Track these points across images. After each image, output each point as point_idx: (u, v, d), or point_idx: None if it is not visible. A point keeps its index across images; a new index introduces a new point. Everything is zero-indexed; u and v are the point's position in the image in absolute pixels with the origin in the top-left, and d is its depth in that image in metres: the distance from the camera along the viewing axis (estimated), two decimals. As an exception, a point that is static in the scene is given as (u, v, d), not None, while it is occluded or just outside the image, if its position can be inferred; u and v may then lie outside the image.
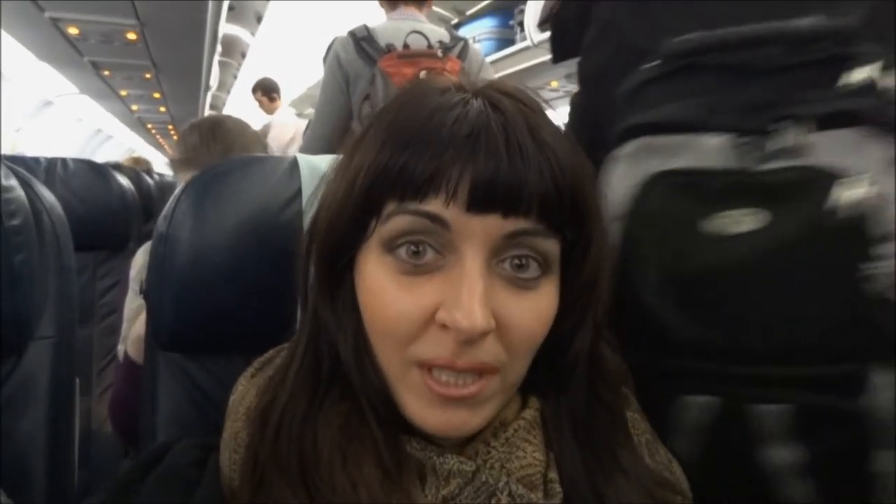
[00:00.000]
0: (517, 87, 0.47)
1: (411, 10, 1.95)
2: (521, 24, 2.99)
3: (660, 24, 0.70)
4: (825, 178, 0.56)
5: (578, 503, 0.47)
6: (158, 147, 13.45)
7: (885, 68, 0.57)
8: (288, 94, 4.41)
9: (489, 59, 3.12)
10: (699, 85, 0.65)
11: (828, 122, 0.57)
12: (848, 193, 0.54)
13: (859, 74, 0.57)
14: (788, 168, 0.57)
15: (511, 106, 0.44)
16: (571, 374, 0.50)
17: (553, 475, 0.48)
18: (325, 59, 1.92)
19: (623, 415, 0.54)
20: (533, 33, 2.75)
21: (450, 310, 0.41)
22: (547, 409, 0.51)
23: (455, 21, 3.69)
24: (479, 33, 3.32)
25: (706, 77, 0.65)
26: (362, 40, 1.84)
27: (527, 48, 2.87)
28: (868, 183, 0.54)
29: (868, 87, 0.57)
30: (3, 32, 4.18)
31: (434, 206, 0.42)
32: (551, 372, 0.49)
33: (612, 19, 0.81)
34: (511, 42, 3.17)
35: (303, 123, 3.36)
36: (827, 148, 0.57)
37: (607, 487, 0.48)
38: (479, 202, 0.41)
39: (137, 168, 2.96)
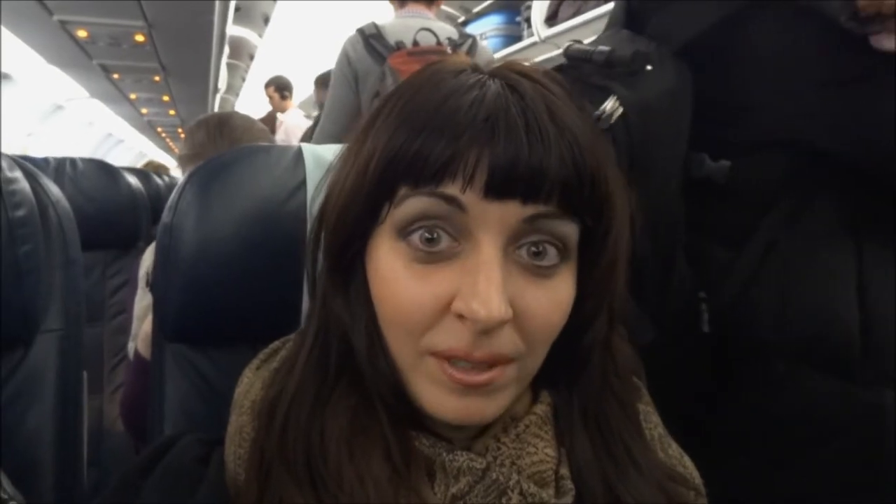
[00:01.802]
0: (535, 67, 0.46)
1: (420, 8, 1.95)
2: (527, 20, 2.97)
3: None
4: None
5: (590, 499, 0.46)
6: (168, 150, 13.54)
7: (621, 99, 0.71)
8: (296, 95, 4.41)
9: (496, 56, 3.12)
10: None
11: None
12: None
13: (605, 105, 0.71)
14: None
15: (530, 87, 0.42)
16: (585, 365, 0.48)
17: (564, 471, 0.46)
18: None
19: (635, 407, 0.53)
20: (540, 29, 2.74)
21: (466, 299, 0.40)
22: (559, 402, 0.50)
23: (462, 19, 3.69)
24: (486, 30, 3.31)
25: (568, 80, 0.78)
26: (371, 38, 1.85)
27: (534, 44, 2.85)
28: None
29: (607, 117, 0.71)
30: (13, 36, 4.21)
31: (451, 189, 0.40)
32: (564, 363, 0.48)
33: None
34: (518, 38, 3.16)
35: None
36: None
37: (619, 482, 0.47)
38: (498, 188, 0.40)
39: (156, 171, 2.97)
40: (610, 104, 0.70)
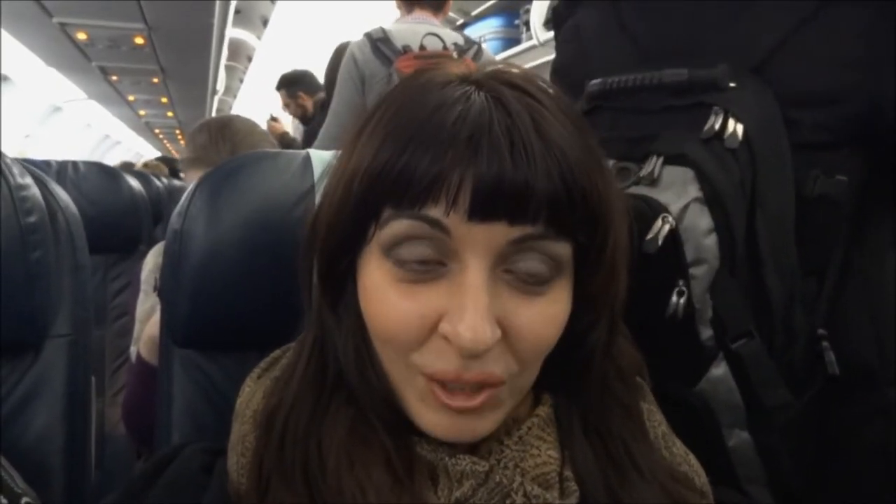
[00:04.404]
0: (525, 76, 0.44)
1: (427, 15, 1.98)
2: (526, 23, 2.98)
3: (588, 71, 0.84)
4: (657, 211, 0.67)
5: (592, 499, 0.46)
6: (166, 152, 13.52)
7: (733, 115, 0.66)
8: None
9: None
10: (605, 121, 0.79)
11: (676, 158, 0.68)
12: (663, 227, 0.66)
13: (714, 121, 0.66)
14: (638, 195, 0.68)
15: (516, 100, 0.41)
16: (585, 371, 0.48)
17: (568, 473, 0.46)
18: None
19: (638, 407, 0.52)
20: (539, 32, 2.74)
21: (453, 322, 0.39)
22: (559, 405, 0.49)
23: (461, 22, 3.69)
24: (484, 33, 3.32)
25: (608, 115, 0.79)
26: (379, 41, 1.87)
27: (533, 47, 2.86)
28: (674, 220, 0.66)
29: (718, 132, 0.66)
30: (12, 38, 4.21)
31: (434, 212, 0.39)
32: (564, 369, 0.48)
33: (561, 59, 0.96)
34: (517, 41, 3.16)
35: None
36: (667, 182, 0.68)
37: (621, 485, 0.47)
38: (482, 210, 0.39)
39: (154, 172, 2.98)
40: (731, 122, 0.66)
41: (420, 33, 1.87)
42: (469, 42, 1.96)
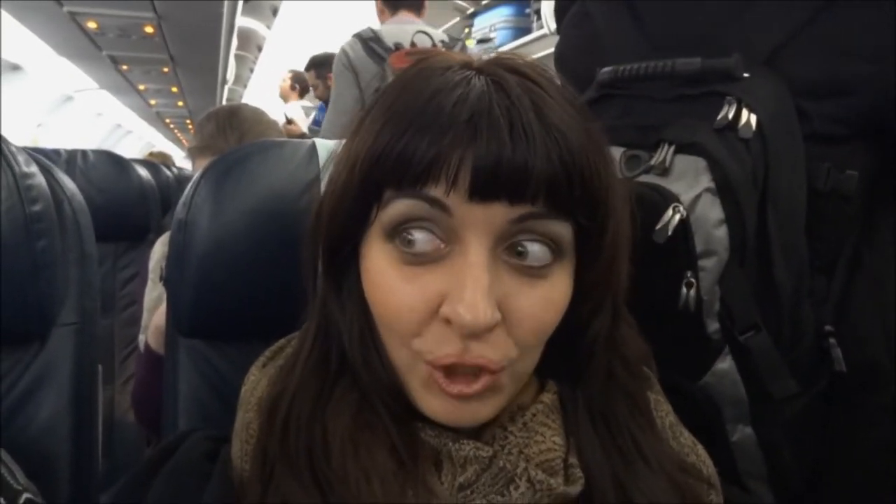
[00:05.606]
0: (526, 62, 0.45)
1: (411, 16, 2.10)
2: (537, 12, 2.96)
3: (596, 59, 0.83)
4: (668, 200, 0.66)
5: (599, 489, 0.46)
6: (177, 142, 13.56)
7: (746, 106, 0.65)
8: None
9: (506, 47, 3.12)
10: (615, 109, 0.79)
11: (687, 147, 0.67)
12: (674, 217, 0.65)
13: (728, 111, 0.65)
14: (649, 184, 0.68)
15: (516, 84, 0.41)
16: (589, 360, 0.48)
17: (573, 460, 0.46)
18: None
19: (644, 397, 0.52)
20: (550, 21, 2.72)
21: (453, 304, 0.40)
22: (564, 393, 0.50)
23: (471, 10, 3.67)
24: (495, 22, 3.30)
25: (619, 103, 0.79)
26: (370, 40, 1.97)
27: (543, 36, 2.84)
28: (685, 210, 0.65)
29: (731, 122, 0.65)
30: (24, 27, 4.22)
31: (434, 192, 0.40)
32: (568, 358, 0.48)
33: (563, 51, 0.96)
34: (528, 30, 3.15)
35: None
36: (679, 172, 0.67)
37: (628, 477, 0.47)
38: (482, 190, 0.39)
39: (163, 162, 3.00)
40: (744, 112, 0.65)
41: (409, 32, 1.96)
42: (454, 40, 2.10)
